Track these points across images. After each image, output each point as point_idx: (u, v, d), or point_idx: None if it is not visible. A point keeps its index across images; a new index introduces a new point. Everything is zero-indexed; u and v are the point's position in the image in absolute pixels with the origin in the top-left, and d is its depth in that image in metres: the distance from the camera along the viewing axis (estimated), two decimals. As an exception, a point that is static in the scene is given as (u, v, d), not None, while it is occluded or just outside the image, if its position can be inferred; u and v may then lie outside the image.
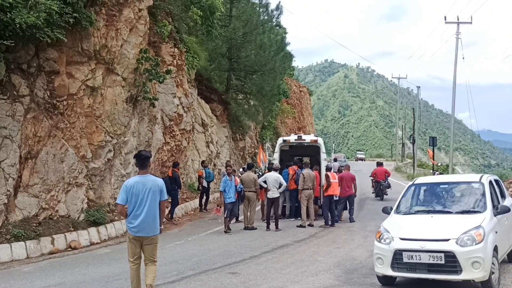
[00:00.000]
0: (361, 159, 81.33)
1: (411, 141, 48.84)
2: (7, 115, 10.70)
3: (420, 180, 9.11)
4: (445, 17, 33.01)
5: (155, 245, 6.65)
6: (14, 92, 11.00)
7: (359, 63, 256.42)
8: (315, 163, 16.77)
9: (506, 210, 7.73)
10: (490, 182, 8.33)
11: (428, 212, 7.85)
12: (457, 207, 7.82)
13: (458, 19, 32.85)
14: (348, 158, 76.43)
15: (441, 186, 8.49)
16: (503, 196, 8.67)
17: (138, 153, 6.84)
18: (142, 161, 6.67)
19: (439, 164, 39.95)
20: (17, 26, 9.83)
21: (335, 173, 15.54)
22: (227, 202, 13.53)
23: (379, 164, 23.70)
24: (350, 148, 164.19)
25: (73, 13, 11.19)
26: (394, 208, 8.23)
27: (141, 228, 6.44)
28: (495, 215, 7.46)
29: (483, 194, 7.76)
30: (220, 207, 13.79)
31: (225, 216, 13.64)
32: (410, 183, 8.88)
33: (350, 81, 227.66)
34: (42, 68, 11.77)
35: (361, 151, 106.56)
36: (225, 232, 13.44)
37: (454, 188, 8.33)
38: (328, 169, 15.36)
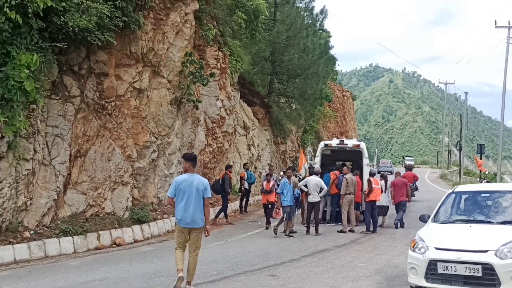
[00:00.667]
0: (410, 167, 74.59)
1: (458, 148, 47.59)
2: (58, 114, 11.16)
3: (460, 188, 8.76)
4: (495, 21, 32.10)
5: (198, 235, 7.52)
6: (66, 93, 11.46)
7: (404, 68, 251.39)
8: (357, 168, 16.61)
9: None
10: None
11: (467, 221, 7.45)
12: (499, 217, 7.40)
13: (509, 24, 31.80)
14: (394, 164, 74.83)
15: (483, 195, 8.07)
16: None
17: (187, 154, 8.06)
18: (190, 160, 7.67)
19: (487, 173, 38.68)
20: (70, 29, 10.26)
21: (377, 179, 15.36)
22: (284, 205, 13.55)
23: (408, 169, 23.53)
24: (394, 154, 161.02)
25: (122, 16, 11.55)
26: (432, 216, 7.92)
27: (186, 220, 7.39)
28: None
29: None
30: (279, 209, 13.89)
31: (284, 219, 13.69)
32: (450, 190, 8.49)
33: (395, 86, 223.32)
34: (92, 70, 12.20)
35: (410, 157, 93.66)
36: (287, 235, 13.49)
37: (496, 197, 7.89)
38: (371, 174, 15.20)
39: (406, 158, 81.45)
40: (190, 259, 7.46)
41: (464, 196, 8.19)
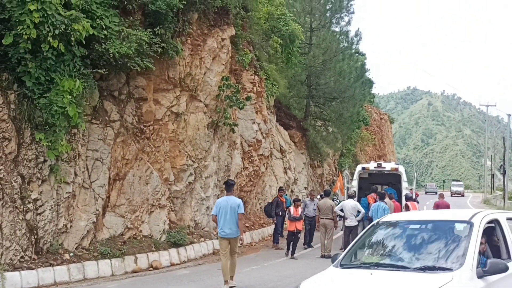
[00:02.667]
0: (459, 194, 61.28)
1: (501, 172, 45.94)
2: (99, 138, 11.43)
3: (388, 217, 6.48)
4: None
5: (236, 242, 9.74)
6: (106, 118, 11.75)
7: (444, 90, 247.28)
8: (395, 192, 16.24)
9: (499, 269, 4.95)
10: (492, 223, 5.75)
11: (376, 266, 5.31)
12: (421, 260, 5.20)
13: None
14: (439, 187, 72.66)
15: (412, 226, 5.88)
16: None
17: (227, 180, 10.85)
18: (228, 186, 10.16)
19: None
20: (111, 56, 10.58)
21: (415, 203, 14.97)
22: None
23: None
24: (435, 178, 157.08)
25: (161, 43, 11.84)
26: (340, 257, 5.77)
27: (225, 231, 9.51)
28: (479, 276, 4.89)
29: (468, 241, 5.08)
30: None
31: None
32: (375, 221, 6.46)
33: (434, 108, 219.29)
34: (131, 95, 12.50)
35: (458, 181, 77.47)
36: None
37: (429, 229, 5.73)
38: (408, 198, 14.82)
39: (454, 183, 69.82)
40: (231, 260, 9.58)
41: (389, 229, 6.11)
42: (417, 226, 5.88)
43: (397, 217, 6.67)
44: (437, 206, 15.92)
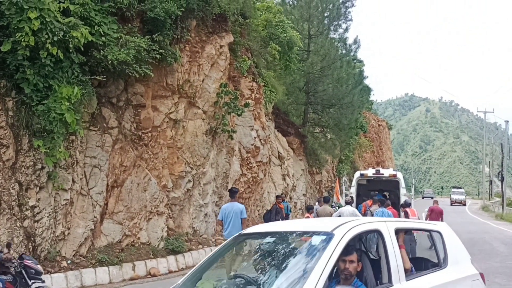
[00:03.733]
0: (460, 203, 56.85)
1: (500, 178, 46.00)
2: (97, 145, 11.42)
3: (251, 229, 5.39)
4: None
5: None
6: (104, 124, 11.74)
7: (441, 97, 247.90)
8: (394, 198, 16.25)
9: None
10: (374, 234, 4.78)
11: None
12: (260, 284, 4.22)
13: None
14: (437, 193, 72.37)
15: (267, 239, 4.86)
16: (388, 272, 4.41)
17: (231, 188, 11.73)
18: (232, 193, 10.86)
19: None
20: (109, 63, 10.59)
21: (414, 209, 14.96)
22: None
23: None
24: (433, 184, 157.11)
25: (159, 50, 11.86)
26: (186, 276, 4.92)
27: (230, 234, 9.19)
28: None
29: (317, 260, 3.96)
30: None
31: None
32: (237, 233, 5.45)
33: (432, 115, 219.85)
34: (130, 102, 12.50)
35: (459, 188, 71.77)
36: None
37: (284, 243, 4.72)
38: (407, 205, 14.79)
39: (454, 190, 64.73)
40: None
41: (246, 242, 5.24)
42: (272, 240, 4.80)
43: (258, 228, 5.37)
44: (431, 211, 16.72)
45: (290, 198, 23.29)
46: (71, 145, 10.63)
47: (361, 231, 4.51)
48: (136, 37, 11.26)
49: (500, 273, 12.72)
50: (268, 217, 15.99)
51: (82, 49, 10.01)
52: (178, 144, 13.81)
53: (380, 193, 16.98)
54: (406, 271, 4.62)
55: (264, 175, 20.15)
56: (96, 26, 10.38)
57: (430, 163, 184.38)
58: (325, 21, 27.73)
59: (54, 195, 10.19)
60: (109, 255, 11.26)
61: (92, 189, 11.26)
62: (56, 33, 9.26)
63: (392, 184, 16.77)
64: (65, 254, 10.53)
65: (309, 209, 14.85)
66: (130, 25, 11.80)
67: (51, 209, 10.10)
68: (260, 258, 4.75)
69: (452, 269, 5.07)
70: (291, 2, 28.50)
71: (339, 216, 14.07)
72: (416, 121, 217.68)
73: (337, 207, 18.95)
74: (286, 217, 18.28)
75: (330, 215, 14.07)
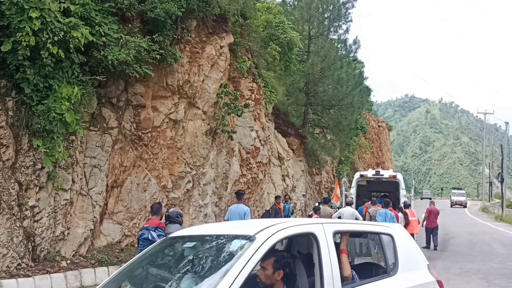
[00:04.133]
0: (461, 204, 55.22)
1: (499, 180, 46.00)
2: (96, 145, 11.42)
3: (178, 232, 5.05)
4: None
5: None
6: (104, 125, 11.74)
7: (441, 98, 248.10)
8: (393, 199, 16.24)
9: None
10: (308, 238, 4.39)
11: None
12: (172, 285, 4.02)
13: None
14: (437, 195, 72.31)
15: (189, 244, 4.54)
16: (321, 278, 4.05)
17: (238, 190, 12.34)
18: (238, 195, 11.55)
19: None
20: (109, 63, 10.58)
21: (414, 210, 15.00)
22: None
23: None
24: (433, 185, 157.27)
25: (159, 50, 11.86)
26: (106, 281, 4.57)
27: None
28: None
29: (229, 267, 3.65)
30: None
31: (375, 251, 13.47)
32: (163, 238, 5.41)
33: (432, 116, 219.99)
34: (130, 102, 12.50)
35: (460, 189, 69.49)
36: None
37: (206, 247, 4.42)
38: (406, 206, 14.81)
39: (454, 191, 63.44)
40: None
41: (171, 247, 4.84)
42: (192, 244, 4.51)
43: (185, 231, 5.04)
44: (429, 212, 17.44)
45: (290, 198, 23.29)
46: (71, 145, 10.63)
47: (289, 234, 4.18)
48: (136, 38, 11.26)
49: (500, 275, 12.73)
50: (267, 217, 16.02)
51: (83, 49, 10.00)
52: (178, 145, 13.81)
53: (381, 197, 16.93)
54: (346, 279, 4.29)
55: (264, 176, 20.15)
56: (96, 26, 10.38)
57: (430, 164, 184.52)
58: (325, 22, 27.76)
59: (54, 195, 10.19)
60: (108, 255, 11.26)
61: (92, 189, 11.26)
62: (57, 33, 9.26)
63: (392, 185, 16.79)
64: (64, 254, 10.53)
65: (316, 210, 14.91)
66: (130, 25, 11.80)
67: (51, 209, 10.09)
68: (178, 262, 4.47)
69: (402, 276, 4.64)
70: (291, 3, 28.55)
71: (339, 217, 14.09)
72: (416, 122, 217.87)
73: (336, 208, 18.96)
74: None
75: (330, 216, 14.07)
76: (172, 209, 9.20)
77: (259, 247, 3.74)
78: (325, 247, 4.13)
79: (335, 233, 4.41)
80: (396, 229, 5.20)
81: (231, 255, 3.84)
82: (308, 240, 4.51)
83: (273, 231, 3.96)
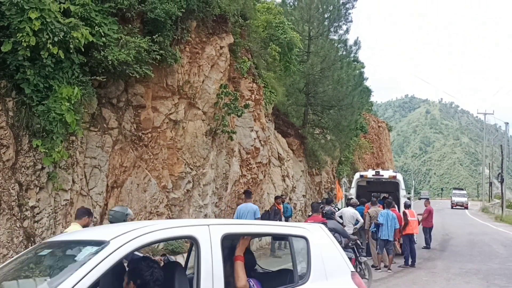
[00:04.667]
0: (462, 206, 53.79)
1: (499, 180, 46.02)
2: (97, 146, 11.42)
3: (56, 237, 4.83)
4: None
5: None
6: (104, 125, 11.75)
7: (441, 98, 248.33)
8: (393, 200, 16.25)
9: None
10: (192, 242, 4.17)
11: None
12: None
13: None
14: (437, 195, 72.38)
15: (45, 250, 4.34)
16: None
17: (246, 190, 13.30)
18: (247, 194, 12.41)
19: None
20: (109, 63, 10.59)
21: (413, 211, 15.01)
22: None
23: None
24: (433, 186, 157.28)
25: (159, 50, 11.86)
26: None
27: None
28: None
29: (64, 276, 3.45)
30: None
31: (377, 251, 13.74)
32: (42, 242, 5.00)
33: (432, 116, 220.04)
34: (130, 102, 12.50)
35: (461, 189, 67.41)
36: (376, 268, 13.41)
37: (60, 254, 4.22)
38: (406, 206, 14.83)
39: (455, 191, 61.94)
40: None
41: (34, 255, 4.50)
42: (47, 252, 4.19)
43: (55, 237, 4.67)
44: (428, 212, 17.94)
45: (290, 199, 23.30)
46: (71, 145, 10.63)
47: (159, 238, 3.74)
48: (136, 38, 11.26)
49: (500, 275, 12.74)
50: (267, 218, 16.02)
51: (83, 49, 10.01)
52: (178, 145, 13.81)
53: (382, 198, 16.94)
54: None
55: (264, 176, 20.15)
56: (96, 27, 10.38)
57: (430, 164, 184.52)
58: (325, 22, 27.76)
59: (54, 195, 10.19)
60: (108, 255, 11.25)
61: (92, 189, 11.26)
62: (57, 33, 9.27)
63: (392, 186, 16.78)
64: (64, 254, 10.53)
65: (314, 208, 14.92)
66: (130, 26, 11.81)
67: (51, 209, 10.09)
68: (32, 270, 4.24)
69: (313, 286, 4.10)
70: (291, 3, 28.56)
71: (340, 217, 14.10)
72: (416, 123, 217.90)
73: (337, 208, 18.97)
74: (286, 219, 18.33)
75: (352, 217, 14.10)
76: (116, 207, 8.64)
77: (110, 253, 3.39)
78: (208, 253, 3.65)
79: (225, 237, 3.86)
80: (314, 231, 4.49)
81: (77, 262, 3.55)
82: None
83: (133, 236, 3.54)
